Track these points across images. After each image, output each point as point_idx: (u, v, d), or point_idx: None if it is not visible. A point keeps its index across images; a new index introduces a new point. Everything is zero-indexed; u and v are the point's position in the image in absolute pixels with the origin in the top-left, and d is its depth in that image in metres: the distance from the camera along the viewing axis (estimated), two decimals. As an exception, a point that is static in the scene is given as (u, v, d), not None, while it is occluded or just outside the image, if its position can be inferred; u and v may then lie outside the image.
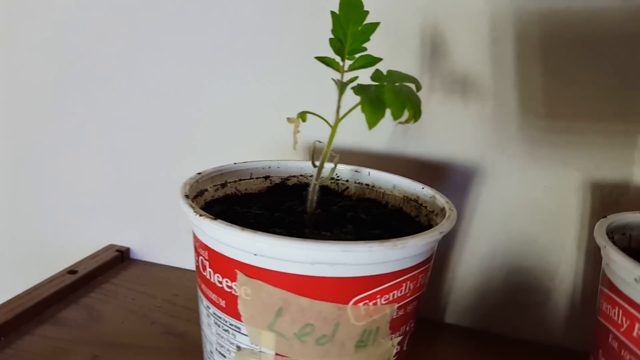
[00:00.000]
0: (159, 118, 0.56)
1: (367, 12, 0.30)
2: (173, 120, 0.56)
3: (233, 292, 0.30)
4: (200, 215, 0.29)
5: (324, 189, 0.43)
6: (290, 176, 0.43)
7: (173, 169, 0.57)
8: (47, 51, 0.58)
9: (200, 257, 0.32)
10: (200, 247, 0.32)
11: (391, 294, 0.30)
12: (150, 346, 0.45)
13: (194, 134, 0.55)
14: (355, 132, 0.49)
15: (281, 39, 0.50)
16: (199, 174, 0.37)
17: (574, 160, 0.46)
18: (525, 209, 0.48)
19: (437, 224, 0.34)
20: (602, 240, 0.30)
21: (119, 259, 0.58)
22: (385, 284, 0.29)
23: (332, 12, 0.30)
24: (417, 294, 0.32)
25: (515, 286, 0.50)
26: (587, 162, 0.46)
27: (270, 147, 0.52)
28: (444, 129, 0.48)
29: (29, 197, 0.63)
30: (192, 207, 0.30)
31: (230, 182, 0.40)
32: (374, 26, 0.30)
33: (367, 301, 0.29)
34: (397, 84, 0.28)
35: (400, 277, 0.29)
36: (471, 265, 0.51)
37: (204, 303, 0.33)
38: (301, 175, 0.43)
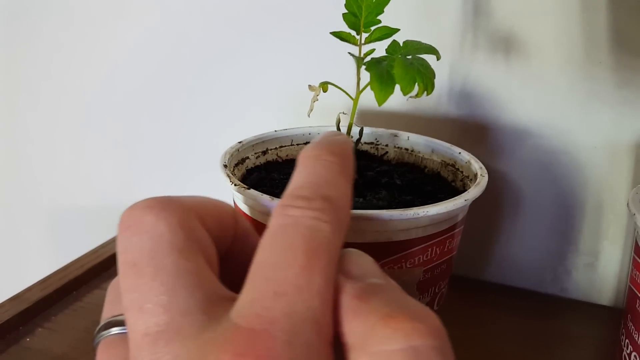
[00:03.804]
0: (211, 84, 0.58)
1: (381, -19, 0.30)
2: (222, 89, 0.58)
3: (267, 255, 0.32)
4: (235, 185, 0.31)
5: (363, 154, 0.44)
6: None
7: (230, 127, 0.59)
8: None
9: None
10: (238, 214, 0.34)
11: (416, 259, 0.31)
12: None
13: (243, 100, 0.57)
14: (398, 94, 0.49)
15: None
16: (240, 142, 0.39)
17: (627, 121, 0.45)
18: (575, 170, 0.47)
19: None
20: (633, 207, 0.30)
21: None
22: (409, 249, 0.30)
23: None
24: (446, 258, 0.33)
25: (564, 248, 0.50)
26: (640, 121, 0.44)
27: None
28: (489, 89, 0.47)
29: (92, 160, 0.67)
30: (229, 177, 0.32)
31: (271, 149, 0.42)
32: None
33: (392, 265, 0.30)
34: (409, 57, 0.28)
35: (425, 243, 0.31)
36: (518, 226, 0.51)
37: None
38: (341, 141, 0.44)
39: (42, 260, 0.73)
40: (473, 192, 0.31)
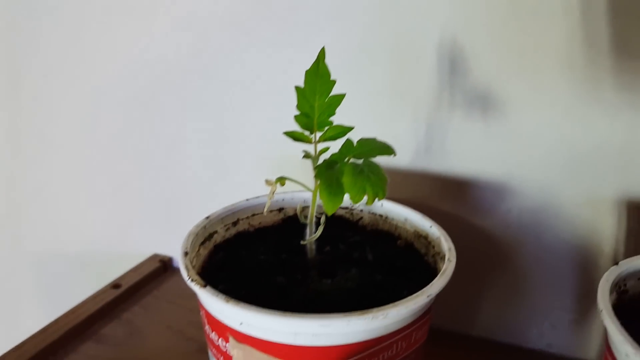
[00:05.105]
0: (198, 134, 0.57)
1: (333, 82, 0.29)
2: (211, 136, 0.57)
3: (228, 352, 0.31)
4: (192, 281, 0.30)
5: (339, 220, 0.43)
6: (304, 207, 0.43)
7: (214, 181, 0.58)
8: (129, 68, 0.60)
9: (202, 313, 0.33)
10: (199, 304, 0.33)
11: (380, 356, 0.30)
12: (184, 363, 0.47)
13: (231, 150, 0.57)
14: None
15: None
16: (207, 217, 0.38)
17: (610, 178, 0.43)
18: (558, 228, 0.46)
19: (440, 269, 0.33)
20: (600, 302, 0.29)
21: (161, 270, 0.61)
22: (372, 348, 0.29)
23: (297, 87, 0.29)
24: (414, 349, 0.32)
25: (549, 304, 0.49)
26: (622, 179, 0.43)
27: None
28: (468, 146, 0.46)
29: (75, 208, 0.67)
30: (187, 270, 0.32)
31: (242, 219, 0.41)
32: (340, 98, 0.29)
33: (354, 365, 0.29)
34: (359, 163, 0.27)
35: (388, 340, 0.30)
36: (503, 282, 0.50)
37: (211, 351, 0.34)
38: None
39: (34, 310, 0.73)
40: (437, 284, 0.30)
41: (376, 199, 0.27)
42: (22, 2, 0.60)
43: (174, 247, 0.63)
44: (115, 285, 0.57)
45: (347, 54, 0.47)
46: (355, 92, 0.48)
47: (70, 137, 0.64)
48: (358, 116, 0.49)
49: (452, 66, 0.45)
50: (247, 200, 0.42)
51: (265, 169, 0.55)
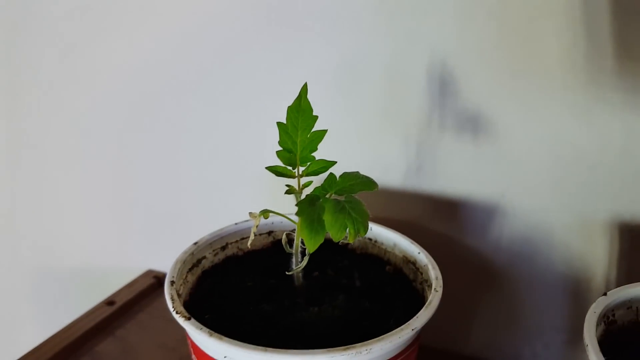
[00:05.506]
0: (193, 152, 0.58)
1: (315, 118, 0.29)
2: (205, 155, 0.57)
3: (212, 382, 0.31)
4: (177, 313, 0.31)
5: (329, 243, 0.43)
6: (293, 230, 0.43)
7: (209, 197, 0.59)
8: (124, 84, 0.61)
9: (188, 342, 0.33)
10: (186, 334, 0.33)
11: (365, 389, 0.30)
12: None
13: (226, 167, 0.57)
14: (369, 169, 0.48)
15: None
16: (195, 244, 0.38)
17: (602, 202, 0.43)
18: (550, 249, 0.46)
19: (428, 297, 0.33)
20: (586, 336, 0.29)
21: (155, 286, 0.61)
22: (356, 382, 0.29)
23: (279, 123, 0.29)
24: (400, 379, 0.32)
25: (541, 324, 0.49)
26: (614, 201, 0.43)
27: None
28: (459, 167, 0.46)
29: (70, 224, 0.67)
30: (172, 301, 0.32)
31: (231, 243, 0.41)
32: (321, 134, 0.29)
33: (338, 399, 0.29)
34: (340, 200, 0.27)
35: (374, 373, 0.29)
36: (495, 301, 0.50)
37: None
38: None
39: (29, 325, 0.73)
40: (422, 317, 0.30)
41: (358, 235, 0.27)
42: (19, 16, 0.60)
43: (169, 263, 0.63)
44: (109, 302, 0.57)
45: (339, 75, 0.47)
46: (347, 113, 0.49)
47: (66, 153, 0.64)
48: (350, 136, 0.49)
49: (443, 88, 0.44)
50: (235, 224, 0.42)
51: (260, 188, 0.55)
